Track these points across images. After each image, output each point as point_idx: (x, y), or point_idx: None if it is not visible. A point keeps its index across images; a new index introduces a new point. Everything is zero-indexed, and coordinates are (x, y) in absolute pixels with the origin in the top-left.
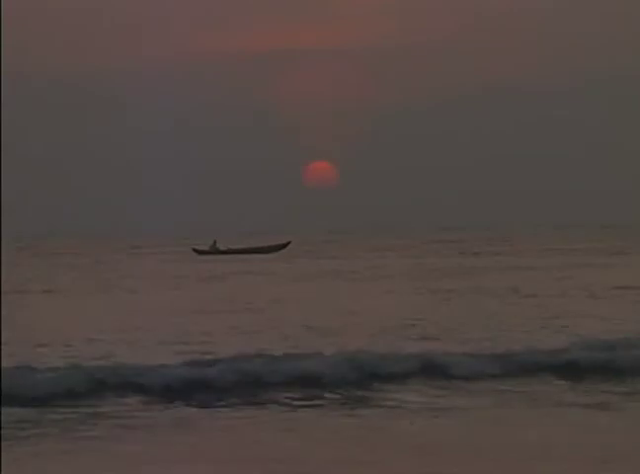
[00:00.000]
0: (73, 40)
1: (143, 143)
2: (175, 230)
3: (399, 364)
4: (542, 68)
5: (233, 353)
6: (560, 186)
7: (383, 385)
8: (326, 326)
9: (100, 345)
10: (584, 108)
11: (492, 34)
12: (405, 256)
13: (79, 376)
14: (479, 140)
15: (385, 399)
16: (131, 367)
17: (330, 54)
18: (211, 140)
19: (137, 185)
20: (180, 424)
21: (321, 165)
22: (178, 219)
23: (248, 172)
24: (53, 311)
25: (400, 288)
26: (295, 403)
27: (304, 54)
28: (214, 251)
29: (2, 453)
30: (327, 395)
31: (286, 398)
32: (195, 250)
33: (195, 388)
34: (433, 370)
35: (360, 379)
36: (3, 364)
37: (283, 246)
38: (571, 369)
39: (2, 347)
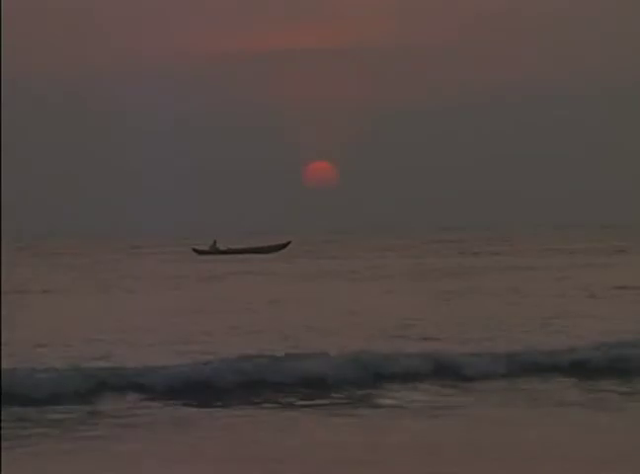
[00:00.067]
0: (73, 41)
1: (143, 143)
2: (175, 230)
3: (399, 365)
4: (542, 68)
5: (233, 353)
6: (560, 186)
7: (383, 385)
8: (326, 326)
9: (100, 345)
10: (584, 108)
11: (492, 34)
12: (405, 256)
13: (79, 376)
14: (479, 140)
15: (386, 399)
16: (131, 367)
17: (330, 54)
18: (211, 140)
19: (137, 185)
20: (180, 423)
21: (321, 165)
22: (178, 219)
23: (248, 172)
24: (53, 311)
25: (400, 288)
26: (296, 403)
27: (304, 54)
28: (214, 251)
29: (2, 453)
30: (327, 395)
31: (287, 398)
32: (195, 250)
33: (195, 388)
34: (433, 371)
35: (360, 379)
36: (3, 364)
37: (283, 246)
38: (571, 369)
39: (2, 347)
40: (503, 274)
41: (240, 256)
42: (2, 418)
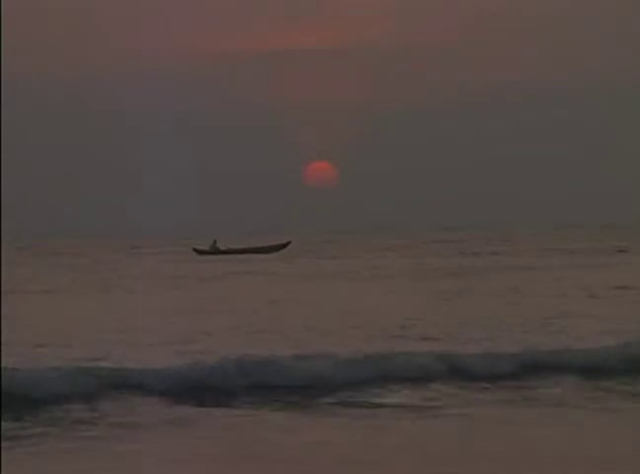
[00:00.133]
0: (73, 41)
1: (143, 143)
2: (175, 230)
3: (399, 365)
4: (542, 68)
5: (233, 353)
6: (560, 186)
7: (384, 386)
8: (326, 326)
9: (100, 345)
10: (584, 108)
11: (492, 34)
12: (405, 256)
13: (79, 376)
14: (479, 140)
15: (386, 399)
16: (131, 367)
17: (330, 54)
18: (211, 140)
19: (137, 185)
20: (180, 423)
21: (321, 165)
22: (178, 219)
23: (248, 172)
24: (53, 311)
25: (400, 288)
26: (296, 404)
27: (304, 54)
28: (214, 251)
29: (2, 453)
30: (327, 396)
31: (287, 399)
32: (195, 250)
33: (195, 388)
34: (433, 371)
35: (360, 380)
36: (3, 364)
37: (283, 246)
38: (571, 369)
39: (2, 347)
40: (503, 274)
41: (240, 256)
42: (2, 418)
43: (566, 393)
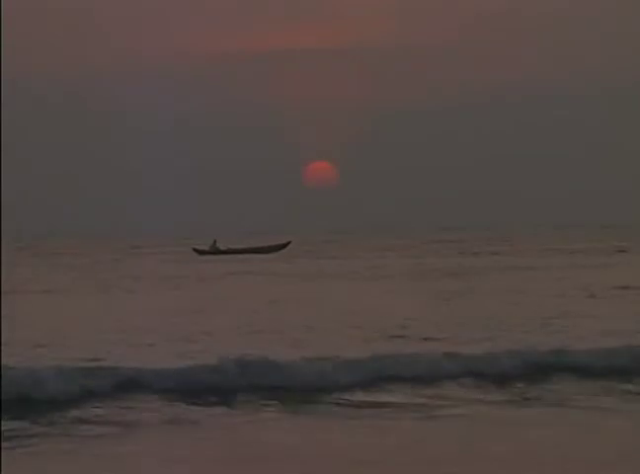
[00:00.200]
0: (73, 41)
1: (143, 143)
2: (175, 230)
3: (399, 365)
4: (542, 68)
5: (233, 353)
6: (560, 186)
7: (384, 386)
8: (326, 326)
9: (100, 345)
10: (584, 108)
11: (492, 34)
12: (405, 256)
13: (79, 376)
14: (479, 140)
15: (386, 400)
16: (131, 367)
17: (330, 54)
18: (211, 140)
19: (137, 185)
20: (180, 423)
21: (321, 165)
22: (178, 219)
23: (248, 172)
24: (53, 311)
25: (400, 288)
26: (296, 404)
27: (304, 54)
28: (215, 251)
29: (2, 453)
30: (327, 396)
31: (287, 399)
32: (195, 250)
33: (195, 388)
34: (433, 371)
35: (360, 380)
36: (3, 364)
37: (283, 246)
38: (571, 369)
39: (2, 347)
40: (503, 274)
41: (240, 256)
42: (2, 418)
43: (566, 393)
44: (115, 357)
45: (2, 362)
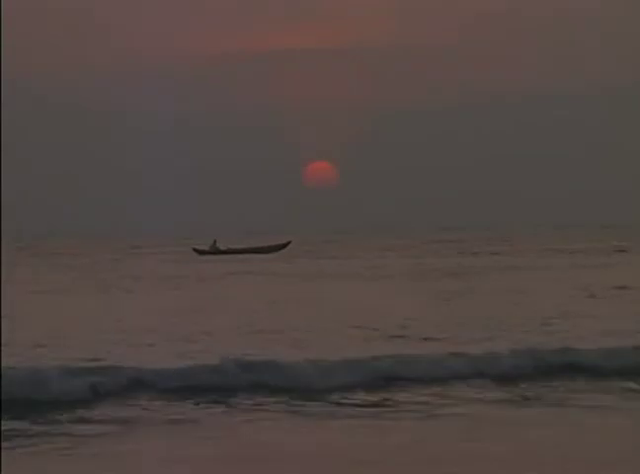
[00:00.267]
0: (73, 41)
1: (143, 143)
2: (175, 230)
3: (399, 366)
4: (542, 68)
5: (233, 353)
6: (560, 186)
7: (383, 386)
8: (326, 326)
9: (100, 345)
10: (584, 108)
11: (492, 34)
12: (405, 256)
13: (79, 376)
14: (479, 140)
15: (385, 400)
16: (131, 367)
17: (330, 54)
18: (211, 140)
19: (137, 185)
20: (180, 423)
21: (321, 165)
22: (178, 219)
23: (248, 172)
24: (53, 311)
25: (400, 288)
26: (296, 404)
27: (304, 54)
28: (214, 251)
29: (2, 453)
30: (326, 396)
31: (287, 399)
32: (195, 250)
33: (195, 388)
34: (433, 371)
35: (359, 380)
36: (3, 364)
37: (283, 246)
38: (571, 369)
39: (2, 347)
40: (503, 274)
41: (240, 256)
42: (2, 418)
43: (566, 393)
44: (115, 357)
45: (2, 362)
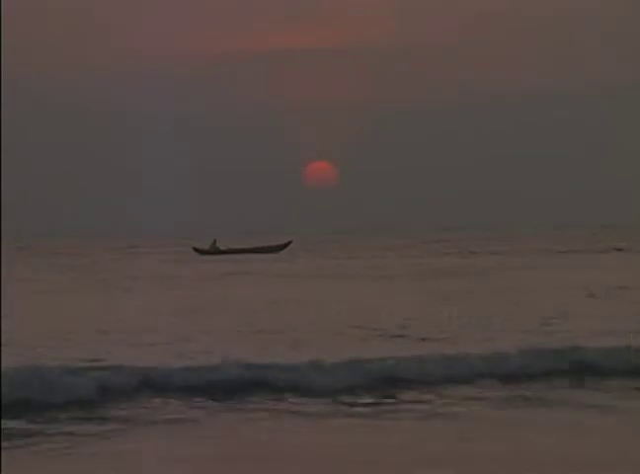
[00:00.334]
0: (73, 41)
1: (143, 143)
2: (175, 230)
3: (400, 366)
4: (542, 68)
5: (233, 353)
6: (560, 186)
7: (382, 387)
8: (326, 326)
9: (100, 344)
10: (584, 108)
11: (492, 34)
12: (405, 256)
13: (79, 376)
14: (479, 140)
15: (384, 400)
16: (131, 367)
17: (330, 54)
18: (211, 140)
19: (137, 185)
20: (180, 423)
21: (321, 165)
22: (178, 219)
23: (248, 172)
24: (53, 311)
25: (400, 288)
26: (296, 404)
27: (304, 54)
28: (214, 250)
29: (2, 453)
30: (326, 397)
31: (287, 399)
32: (195, 249)
33: (195, 388)
34: (433, 371)
35: (359, 381)
36: (3, 364)
37: (284, 246)
38: (571, 369)
39: (2, 347)
40: (503, 274)
41: (240, 256)
42: (2, 418)
43: (566, 393)
44: (115, 357)
45: (2, 362)
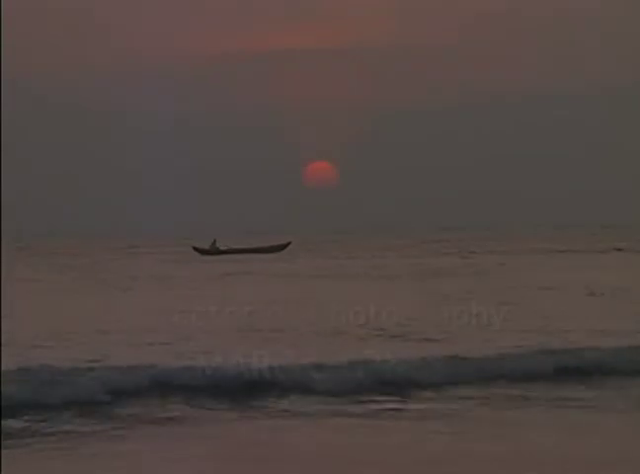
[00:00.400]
0: (73, 41)
1: (143, 143)
2: (175, 230)
3: (400, 366)
4: (542, 68)
5: (234, 353)
6: (560, 186)
7: (382, 388)
8: (326, 326)
9: (99, 344)
10: (584, 108)
11: (492, 34)
12: (405, 256)
13: (78, 376)
14: (479, 140)
15: (384, 401)
16: (131, 367)
17: (330, 54)
18: (211, 140)
19: (137, 185)
20: (180, 423)
21: (321, 165)
22: (178, 219)
23: (248, 172)
24: (53, 311)
25: (400, 288)
26: (296, 404)
27: (304, 54)
28: (214, 250)
29: (2, 453)
30: (326, 397)
31: (287, 399)
32: (195, 249)
33: (194, 388)
34: (433, 372)
35: (360, 381)
36: (3, 365)
37: (284, 246)
38: (571, 369)
39: (2, 347)
40: (503, 274)
41: (240, 256)
42: (2, 418)
43: (566, 393)
44: (114, 357)
45: (2, 363)
